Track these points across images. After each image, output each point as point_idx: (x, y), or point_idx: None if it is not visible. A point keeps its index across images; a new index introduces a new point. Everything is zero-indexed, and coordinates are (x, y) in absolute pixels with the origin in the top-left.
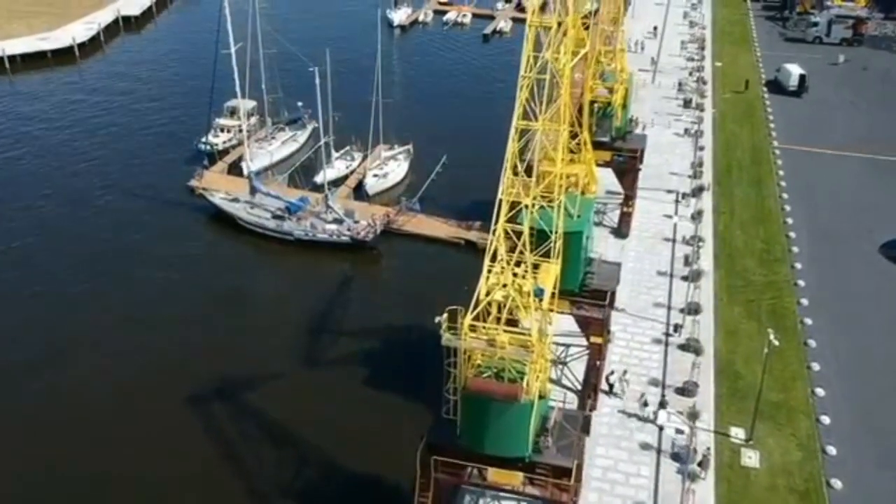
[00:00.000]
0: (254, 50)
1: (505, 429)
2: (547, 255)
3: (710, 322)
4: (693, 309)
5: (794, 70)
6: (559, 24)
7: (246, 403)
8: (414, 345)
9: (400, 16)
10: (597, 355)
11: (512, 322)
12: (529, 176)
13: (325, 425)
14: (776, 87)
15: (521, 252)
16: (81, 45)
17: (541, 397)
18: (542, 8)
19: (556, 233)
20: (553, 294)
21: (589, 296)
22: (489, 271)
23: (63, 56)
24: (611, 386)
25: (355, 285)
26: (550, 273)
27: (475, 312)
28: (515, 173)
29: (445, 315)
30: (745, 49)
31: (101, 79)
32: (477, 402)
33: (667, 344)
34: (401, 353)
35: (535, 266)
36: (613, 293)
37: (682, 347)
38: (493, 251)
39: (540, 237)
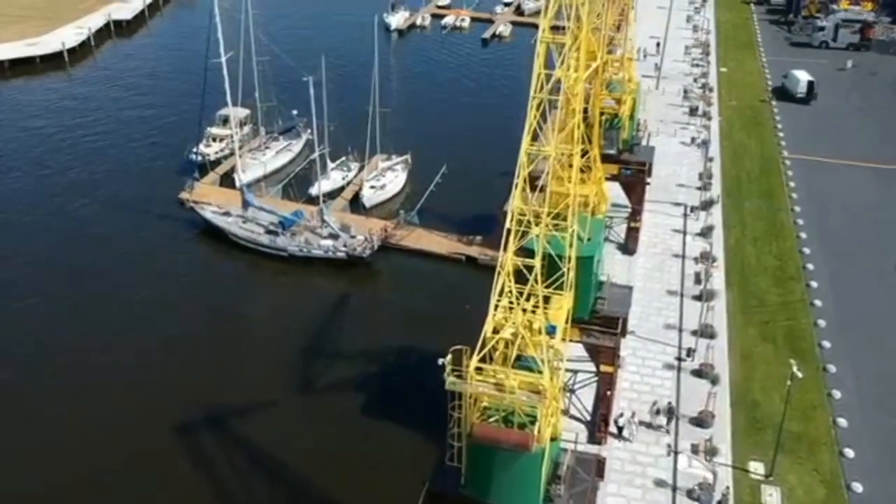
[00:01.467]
0: (247, 57)
1: (514, 479)
2: (557, 285)
3: (723, 345)
4: (707, 333)
5: (802, 76)
6: (573, 39)
7: (235, 431)
8: (413, 368)
9: (397, 20)
10: (607, 385)
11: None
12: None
13: (319, 458)
14: (783, 93)
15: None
16: (71, 51)
17: (552, 439)
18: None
19: (570, 263)
20: (565, 329)
21: (600, 323)
22: (496, 307)
23: (53, 62)
24: (620, 429)
25: (352, 304)
26: (563, 307)
27: (481, 354)
28: (525, 202)
29: (449, 357)
30: (751, 54)
31: (91, 85)
32: (484, 450)
33: (679, 369)
34: (400, 376)
35: (546, 299)
36: (625, 320)
37: (696, 374)
38: (500, 285)
39: (550, 265)
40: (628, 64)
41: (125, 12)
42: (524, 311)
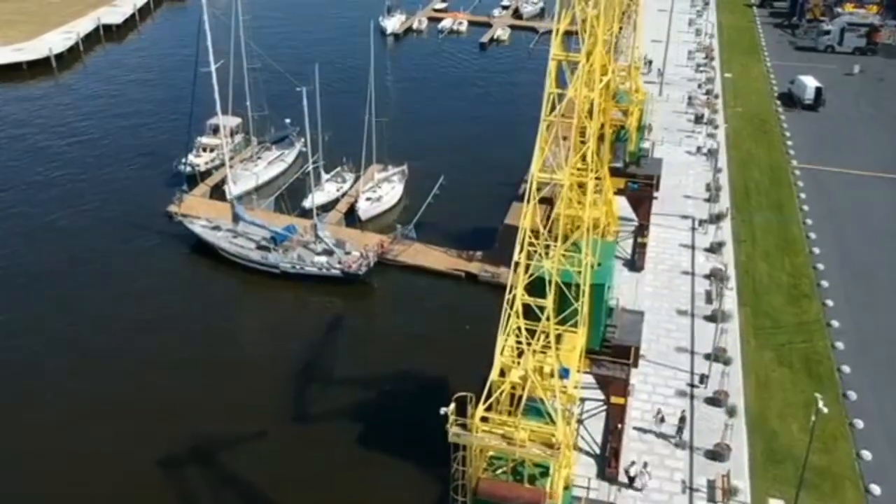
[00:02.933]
0: (238, 65)
1: None
2: (568, 320)
3: (737, 369)
4: (722, 359)
5: (810, 83)
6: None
7: (223, 461)
8: (412, 396)
9: (393, 23)
10: (618, 417)
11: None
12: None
13: (310, 494)
14: (790, 99)
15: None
16: (59, 56)
17: (564, 488)
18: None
19: (583, 296)
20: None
21: (610, 353)
22: (502, 346)
23: (39, 68)
24: (631, 479)
25: (346, 324)
26: (576, 346)
27: (487, 403)
28: (536, 234)
29: (453, 406)
30: (755, 59)
31: (79, 92)
32: None
33: (692, 397)
34: (397, 405)
35: (557, 337)
36: (637, 349)
37: (710, 401)
38: (508, 323)
39: (560, 298)
40: (635, 73)
41: (115, 16)
42: (534, 351)
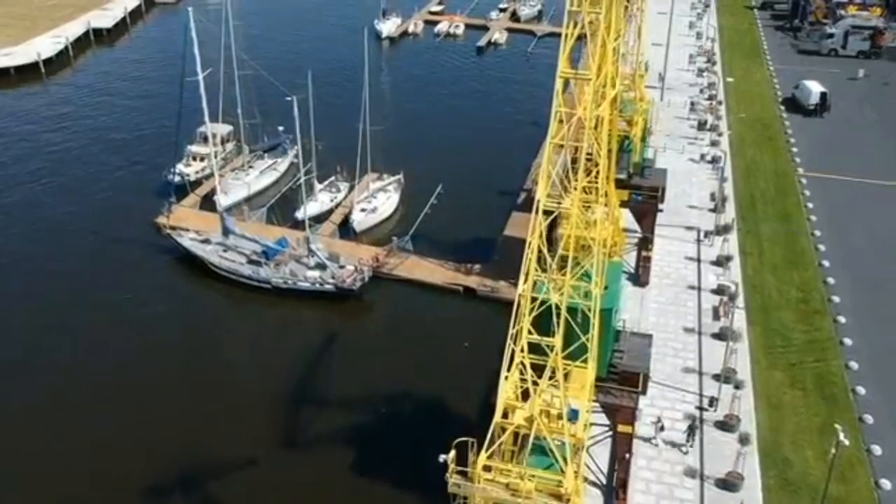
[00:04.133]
0: (229, 71)
1: None
2: (575, 352)
3: (748, 391)
4: (733, 381)
5: (815, 88)
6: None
7: (208, 487)
8: (408, 419)
9: (388, 27)
10: (625, 447)
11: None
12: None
13: None
14: (794, 104)
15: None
16: (48, 61)
17: None
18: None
19: (593, 329)
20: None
21: (618, 379)
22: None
23: (28, 73)
24: None
25: (341, 342)
26: (585, 384)
27: (490, 451)
28: (543, 266)
29: (452, 453)
30: (757, 62)
31: (68, 98)
32: None
33: (702, 420)
34: (394, 427)
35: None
36: (646, 376)
37: (721, 426)
38: (512, 361)
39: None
40: (639, 81)
41: (105, 20)
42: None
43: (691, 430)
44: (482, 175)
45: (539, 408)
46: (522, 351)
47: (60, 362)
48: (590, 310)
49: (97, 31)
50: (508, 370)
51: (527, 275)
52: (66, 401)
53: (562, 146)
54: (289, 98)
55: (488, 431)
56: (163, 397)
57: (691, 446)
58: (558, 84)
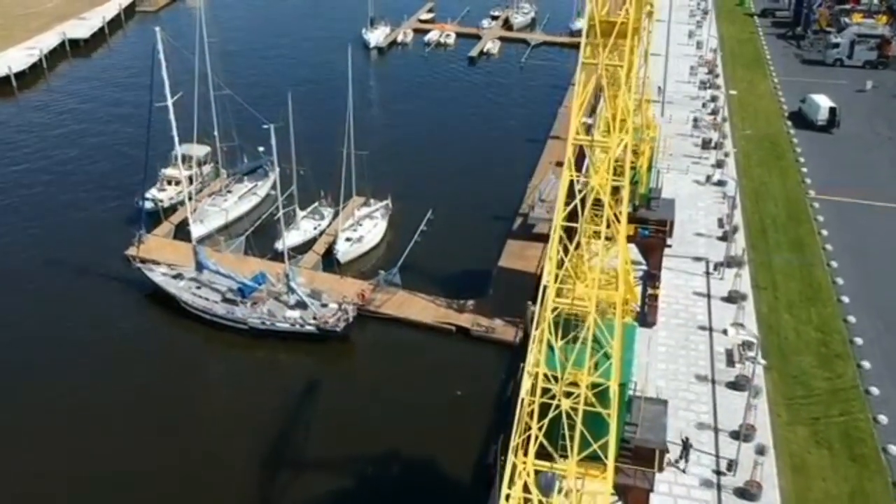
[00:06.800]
0: (205, 90)
1: None
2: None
3: (768, 449)
4: (754, 443)
5: (823, 102)
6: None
7: None
8: (395, 481)
9: (377, 37)
10: None
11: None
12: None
13: None
14: (801, 119)
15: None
16: (20, 74)
17: None
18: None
19: (611, 436)
20: None
21: (630, 455)
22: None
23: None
24: None
25: (322, 390)
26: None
27: None
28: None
29: None
30: (761, 73)
31: (39, 114)
32: None
33: (719, 487)
34: (381, 485)
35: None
36: (663, 452)
37: (741, 494)
38: (512, 476)
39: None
40: (646, 107)
41: (82, 30)
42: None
43: (685, 448)
44: (475, 198)
45: None
46: (525, 465)
47: (23, 401)
48: (608, 407)
49: (73, 42)
50: (509, 487)
51: (532, 388)
52: (26, 439)
53: (575, 228)
54: (266, 126)
55: None
56: (128, 444)
57: (686, 462)
58: (569, 152)
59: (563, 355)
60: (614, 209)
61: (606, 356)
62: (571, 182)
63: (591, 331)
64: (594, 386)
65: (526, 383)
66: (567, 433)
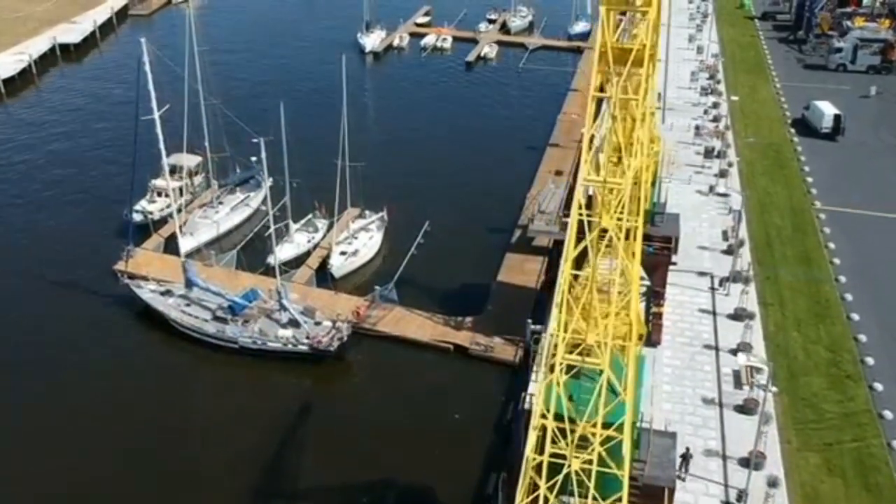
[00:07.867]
0: (195, 99)
1: None
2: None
3: (780, 477)
4: (764, 472)
5: (828, 109)
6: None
7: None
8: (392, 503)
9: (372, 41)
10: None
11: None
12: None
13: None
14: (805, 127)
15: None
16: (9, 81)
17: None
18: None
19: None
20: None
21: (638, 494)
22: None
23: None
24: None
25: (315, 412)
26: None
27: None
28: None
29: None
30: (762, 79)
31: (27, 122)
32: None
33: None
34: None
35: None
36: (672, 490)
37: None
38: None
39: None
40: (650, 119)
41: (73, 35)
42: None
43: (685, 459)
44: (473, 209)
45: None
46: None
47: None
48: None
49: (64, 47)
50: None
51: (537, 443)
52: (6, 466)
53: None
54: (255, 140)
55: None
56: (111, 470)
57: (687, 472)
58: (578, 193)
59: (571, 407)
60: (626, 255)
61: (615, 393)
62: (581, 223)
63: (604, 387)
64: (606, 441)
65: (531, 438)
66: (576, 489)
